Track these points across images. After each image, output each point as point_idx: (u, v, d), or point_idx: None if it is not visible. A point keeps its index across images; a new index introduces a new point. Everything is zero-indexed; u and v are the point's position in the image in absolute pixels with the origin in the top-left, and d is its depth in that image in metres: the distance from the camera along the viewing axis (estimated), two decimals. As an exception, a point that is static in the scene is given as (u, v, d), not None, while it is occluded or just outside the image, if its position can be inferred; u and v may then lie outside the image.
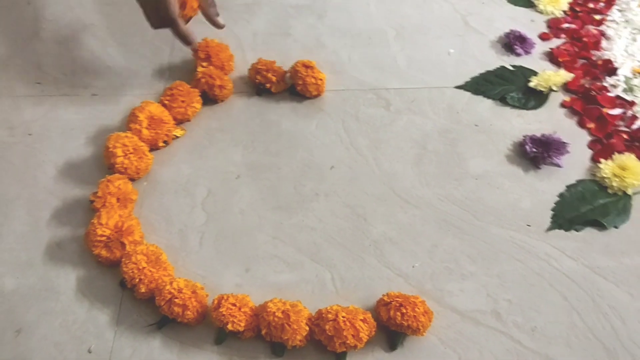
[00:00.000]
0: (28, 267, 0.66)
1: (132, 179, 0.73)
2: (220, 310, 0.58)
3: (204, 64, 0.84)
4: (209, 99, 0.84)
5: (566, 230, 0.70)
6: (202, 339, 0.61)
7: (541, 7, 1.01)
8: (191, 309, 0.59)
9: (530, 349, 0.60)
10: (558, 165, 0.77)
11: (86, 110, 0.83)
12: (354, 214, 0.72)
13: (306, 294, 0.64)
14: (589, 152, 0.79)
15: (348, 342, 0.57)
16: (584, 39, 0.94)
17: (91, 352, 0.59)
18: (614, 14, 1.00)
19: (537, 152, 0.76)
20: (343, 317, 0.57)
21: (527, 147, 0.77)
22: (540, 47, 0.94)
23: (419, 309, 0.58)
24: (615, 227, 0.70)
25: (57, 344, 0.60)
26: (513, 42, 0.93)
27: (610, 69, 0.89)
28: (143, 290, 0.61)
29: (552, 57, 0.92)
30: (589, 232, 0.70)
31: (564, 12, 1.00)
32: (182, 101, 0.80)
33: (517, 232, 0.70)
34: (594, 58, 0.91)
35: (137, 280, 0.61)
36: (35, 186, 0.74)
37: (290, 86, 0.86)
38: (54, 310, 0.62)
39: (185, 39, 0.79)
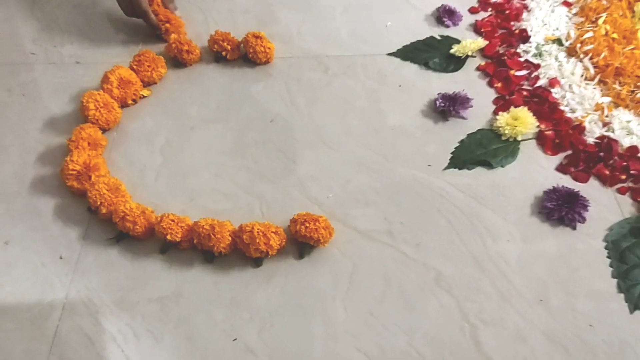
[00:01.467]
0: (17, 196, 0.81)
1: (103, 130, 0.88)
2: (162, 224, 0.73)
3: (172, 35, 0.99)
4: (179, 63, 0.99)
5: (460, 169, 0.83)
6: (150, 250, 0.76)
7: (474, -17, 1.13)
8: (140, 224, 0.74)
9: (413, 259, 0.74)
10: (463, 118, 0.90)
11: (70, 75, 0.99)
12: (285, 158, 0.86)
13: (238, 217, 0.78)
14: (493, 107, 0.92)
15: (261, 248, 0.71)
16: (507, 11, 1.06)
17: (62, 258, 0.75)
18: (541, -12, 1.11)
19: (445, 106, 0.89)
20: (257, 229, 0.72)
21: (437, 102, 0.90)
22: (468, 19, 1.07)
23: (320, 224, 0.73)
24: (502, 167, 0.83)
25: (36, 252, 0.75)
26: (443, 15, 1.06)
27: (524, 37, 1.01)
28: (104, 211, 0.76)
29: (476, 28, 1.04)
30: (479, 171, 0.83)
31: (495, -13, 1.12)
32: (148, 66, 0.95)
33: (418, 171, 0.83)
34: (513, 28, 1.03)
35: (99, 203, 0.76)
36: (26, 136, 0.90)
37: (244, 54, 1.00)
38: (35, 228, 0.78)
39: (154, 27, 1.00)
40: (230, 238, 0.73)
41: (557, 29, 1.02)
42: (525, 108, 0.88)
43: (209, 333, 0.68)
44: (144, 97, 0.95)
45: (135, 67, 0.95)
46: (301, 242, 0.74)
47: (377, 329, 0.68)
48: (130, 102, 0.93)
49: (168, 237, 0.73)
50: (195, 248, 0.75)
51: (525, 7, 1.07)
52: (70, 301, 0.71)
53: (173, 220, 0.74)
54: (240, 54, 1.01)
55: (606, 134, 0.85)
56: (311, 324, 0.69)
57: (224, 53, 0.99)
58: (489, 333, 0.68)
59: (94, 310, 0.70)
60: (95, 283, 0.73)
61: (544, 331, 0.68)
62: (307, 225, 0.72)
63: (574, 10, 1.06)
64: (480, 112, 0.91)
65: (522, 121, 0.86)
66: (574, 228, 0.76)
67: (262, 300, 0.71)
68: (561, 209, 0.76)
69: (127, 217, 0.74)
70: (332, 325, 0.69)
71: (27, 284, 0.73)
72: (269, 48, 0.98)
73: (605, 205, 0.79)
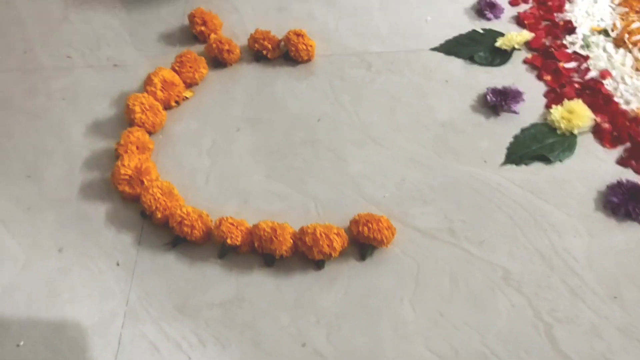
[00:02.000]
0: (66, 202, 0.80)
1: (149, 132, 0.87)
2: (221, 228, 0.72)
3: (202, 28, 0.99)
4: (220, 62, 0.97)
5: (517, 164, 0.82)
6: (208, 254, 0.74)
7: (513, -25, 1.11)
8: (197, 228, 0.73)
9: (478, 257, 0.72)
10: (515, 112, 0.88)
11: (109, 78, 0.97)
12: (335, 157, 0.84)
13: (294, 218, 0.77)
14: (545, 101, 0.90)
15: (324, 250, 0.70)
16: (549, 3, 1.04)
17: (119, 265, 0.73)
18: (580, -21, 1.09)
19: (496, 101, 0.87)
20: (320, 231, 0.70)
21: (488, 97, 0.88)
22: (509, 12, 1.05)
23: (382, 224, 0.71)
24: (560, 161, 0.81)
25: (92, 259, 0.74)
26: (484, 8, 1.04)
27: (570, 28, 0.99)
28: (159, 216, 0.75)
29: (519, 20, 1.02)
30: (536, 166, 0.82)
31: (534, -21, 1.10)
32: (190, 67, 0.93)
33: (474, 167, 0.82)
34: (556, 20, 1.02)
35: (154, 208, 0.75)
36: (69, 141, 0.88)
37: (285, 52, 0.99)
38: (89, 234, 0.77)
39: None
40: (291, 241, 0.71)
41: (602, 19, 1.00)
42: (580, 100, 0.86)
43: (276, 337, 0.67)
44: (187, 98, 0.93)
45: (177, 68, 0.93)
46: (363, 243, 0.73)
47: (448, 329, 0.67)
48: (173, 104, 0.92)
49: (228, 240, 0.71)
50: (254, 251, 0.73)
51: (567, -2, 1.05)
52: (131, 308, 0.70)
53: (232, 224, 0.72)
54: (281, 53, 0.99)
55: (664, 125, 0.83)
56: (380, 325, 0.67)
57: (264, 52, 0.97)
58: (564, 331, 0.66)
59: (156, 316, 0.69)
60: (154, 289, 0.71)
61: (619, 327, 0.66)
62: (370, 226, 0.71)
63: (617, 0, 1.04)
64: (531, 106, 0.89)
65: (577, 114, 0.84)
66: (642, 222, 0.74)
67: (327, 302, 0.69)
68: (627, 203, 0.74)
69: (185, 221, 0.73)
70: (401, 327, 0.67)
71: (85, 291, 0.71)
72: (310, 46, 0.97)
73: (670, 198, 0.77)
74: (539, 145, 0.83)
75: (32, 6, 1.11)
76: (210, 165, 0.84)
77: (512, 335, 0.66)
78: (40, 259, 0.74)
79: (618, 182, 0.77)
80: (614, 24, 0.99)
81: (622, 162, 0.81)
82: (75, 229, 0.77)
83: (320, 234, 0.70)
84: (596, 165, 0.81)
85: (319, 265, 0.72)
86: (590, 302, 0.68)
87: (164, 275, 0.72)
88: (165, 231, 0.76)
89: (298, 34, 0.96)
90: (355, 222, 0.73)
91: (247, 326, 0.67)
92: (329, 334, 0.67)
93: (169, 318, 0.69)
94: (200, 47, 1.00)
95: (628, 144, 0.83)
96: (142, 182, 0.78)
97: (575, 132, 0.84)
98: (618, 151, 0.83)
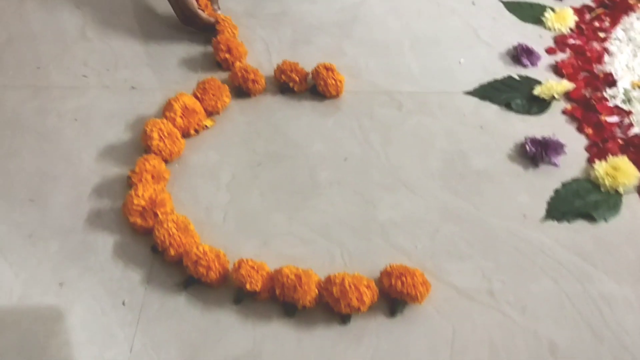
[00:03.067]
0: (71, 232, 0.74)
1: (165, 161, 0.81)
2: (240, 271, 0.65)
3: (229, 57, 0.95)
4: (243, 92, 0.92)
5: (559, 221, 0.76)
6: (223, 299, 0.68)
7: (549, 24, 1.08)
8: (214, 270, 0.66)
9: (520, 325, 0.66)
10: (555, 165, 0.83)
11: (125, 100, 0.92)
12: (363, 201, 0.79)
13: (318, 265, 0.70)
14: (586, 155, 0.85)
15: (352, 304, 0.63)
16: (588, 54, 1.00)
17: (125, 305, 0.67)
18: (618, 32, 1.06)
19: (536, 152, 0.82)
20: (349, 281, 0.64)
21: (527, 147, 0.83)
22: (546, 60, 1.01)
23: (417, 279, 0.65)
24: (605, 221, 0.76)
25: (95, 297, 0.67)
26: (520, 54, 1.00)
27: (610, 81, 0.95)
28: (172, 253, 0.68)
29: (557, 69, 0.98)
30: (580, 224, 0.76)
31: (571, 29, 1.07)
32: (213, 94, 0.88)
33: (513, 222, 0.76)
34: (595, 71, 0.98)
35: (168, 244, 0.68)
36: (79, 165, 0.82)
37: (312, 86, 0.94)
38: (93, 269, 0.70)
39: (208, 24, 1.00)
40: (317, 290, 0.65)
41: (643, 74, 0.96)
42: (625, 157, 0.81)
43: (296, 402, 0.60)
44: (207, 127, 0.88)
45: (199, 95, 0.88)
46: (394, 297, 0.66)
47: (488, 405, 0.60)
48: (192, 132, 0.86)
49: (247, 286, 0.65)
50: (274, 299, 0.67)
51: (606, 50, 1.02)
52: (135, 356, 0.62)
53: (253, 267, 0.66)
54: (308, 86, 0.94)
55: None
56: (411, 395, 0.60)
57: (291, 84, 0.92)
58: (618, 415, 0.59)
59: (162, 368, 0.62)
60: (162, 336, 0.64)
61: (679, 415, 0.59)
62: (404, 279, 0.64)
63: (658, 55, 1.00)
64: (572, 160, 0.84)
65: (623, 172, 0.79)
66: (699, 295, 0.68)
67: (353, 363, 0.63)
68: (682, 273, 0.68)
69: (201, 261, 0.66)
70: (436, 399, 0.60)
71: (85, 333, 0.64)
72: (340, 81, 0.92)
73: None
74: (582, 202, 0.78)
75: (47, 21, 1.07)
76: (228, 201, 0.78)
77: (560, 416, 0.59)
78: (38, 294, 0.67)
79: (671, 249, 0.71)
80: (657, 80, 0.95)
81: (672, 226, 0.75)
82: (79, 262, 0.71)
83: (349, 286, 0.64)
84: (644, 228, 0.76)
85: (344, 319, 0.65)
86: (645, 383, 0.61)
87: (172, 320, 0.66)
88: (177, 270, 0.70)
89: (328, 68, 0.92)
90: (387, 274, 0.66)
91: (263, 386, 0.60)
92: (355, 401, 0.60)
93: (176, 371, 0.62)
94: (222, 75, 0.96)
95: (677, 208, 0.77)
96: (156, 214, 0.72)
97: (621, 190, 0.79)
98: (667, 214, 0.77)
